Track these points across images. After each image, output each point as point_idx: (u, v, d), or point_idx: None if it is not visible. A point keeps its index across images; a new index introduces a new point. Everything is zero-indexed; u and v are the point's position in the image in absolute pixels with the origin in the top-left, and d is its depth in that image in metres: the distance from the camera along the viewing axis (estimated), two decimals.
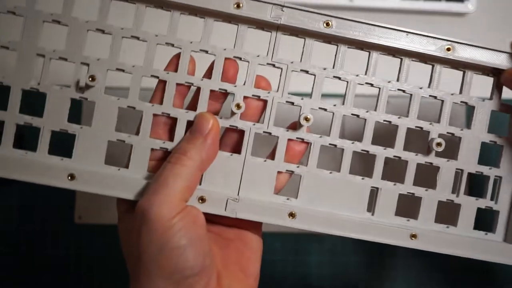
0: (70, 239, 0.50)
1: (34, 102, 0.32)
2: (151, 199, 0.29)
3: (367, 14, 0.53)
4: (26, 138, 0.32)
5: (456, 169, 0.34)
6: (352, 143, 0.33)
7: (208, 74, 0.33)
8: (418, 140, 0.35)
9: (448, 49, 0.33)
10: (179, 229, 0.28)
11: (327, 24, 0.32)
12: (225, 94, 0.33)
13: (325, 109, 0.33)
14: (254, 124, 0.33)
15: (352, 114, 0.33)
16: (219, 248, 0.33)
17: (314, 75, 0.33)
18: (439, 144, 0.33)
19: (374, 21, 0.32)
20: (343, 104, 0.33)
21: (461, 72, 0.34)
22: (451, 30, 0.54)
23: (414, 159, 0.34)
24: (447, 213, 0.35)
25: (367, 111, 0.33)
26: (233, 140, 0.34)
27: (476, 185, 0.35)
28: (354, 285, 0.51)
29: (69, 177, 0.31)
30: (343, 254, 0.51)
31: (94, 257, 0.50)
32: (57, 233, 0.50)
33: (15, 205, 0.50)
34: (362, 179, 0.34)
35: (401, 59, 0.33)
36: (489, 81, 0.34)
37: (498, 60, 0.33)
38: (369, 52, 0.33)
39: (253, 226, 0.35)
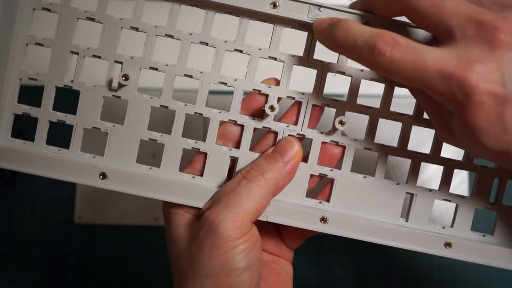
0: (70, 239, 0.50)
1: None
2: (221, 213, 0.29)
3: None
4: (25, 135, 0.32)
5: (496, 177, 0.33)
6: (388, 147, 0.32)
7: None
8: None
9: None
10: (242, 250, 0.28)
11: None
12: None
13: (361, 112, 0.32)
14: (287, 126, 0.32)
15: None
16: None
17: (351, 76, 0.32)
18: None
19: None
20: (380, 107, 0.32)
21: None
22: None
23: (452, 165, 0.33)
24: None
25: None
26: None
27: None
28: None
29: (101, 176, 0.31)
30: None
31: (94, 257, 0.50)
32: (57, 233, 0.50)
33: (15, 205, 0.50)
34: (397, 184, 0.33)
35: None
36: None
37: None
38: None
39: (285, 252, 0.36)
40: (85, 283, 0.49)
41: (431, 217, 0.33)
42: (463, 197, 0.33)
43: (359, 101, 0.32)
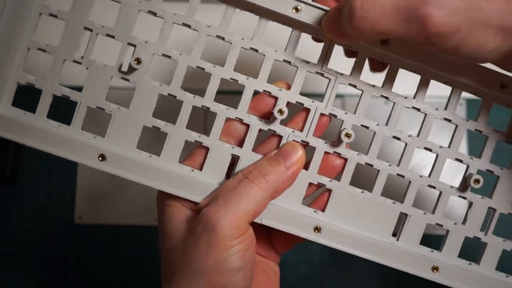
0: (70, 239, 0.50)
1: None
2: (219, 212, 0.28)
3: None
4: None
5: (489, 207, 0.33)
6: (389, 165, 0.33)
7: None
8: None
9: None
10: (238, 251, 0.28)
11: (384, 42, 0.31)
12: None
13: (368, 127, 0.32)
14: (293, 131, 0.32)
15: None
16: None
17: (362, 90, 0.32)
18: (476, 181, 0.32)
19: None
20: (386, 124, 0.32)
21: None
22: None
23: (448, 191, 0.33)
24: None
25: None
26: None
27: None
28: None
29: (100, 158, 0.31)
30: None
31: (94, 257, 0.50)
32: (57, 233, 0.50)
33: (15, 205, 0.50)
34: (393, 203, 0.33)
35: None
36: None
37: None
38: (421, 77, 0.32)
39: (273, 255, 0.35)
40: (85, 283, 0.49)
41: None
42: (455, 223, 0.33)
43: None
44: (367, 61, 0.32)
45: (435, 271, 0.33)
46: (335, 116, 0.32)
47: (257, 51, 0.32)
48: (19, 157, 0.50)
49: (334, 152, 0.32)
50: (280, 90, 0.32)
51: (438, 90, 0.33)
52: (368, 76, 0.32)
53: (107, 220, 0.50)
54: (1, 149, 0.48)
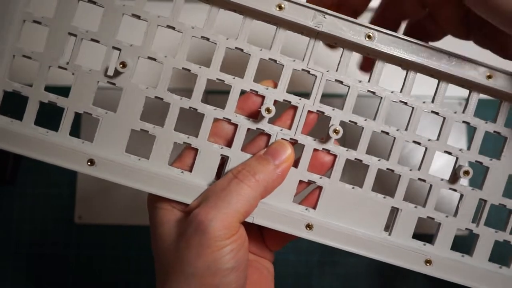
0: (70, 239, 0.50)
1: None
2: (210, 213, 0.28)
3: None
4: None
5: (480, 199, 0.33)
6: (379, 160, 0.33)
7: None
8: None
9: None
10: (230, 251, 0.28)
11: (369, 37, 0.31)
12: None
13: (355, 123, 0.32)
14: (281, 130, 0.32)
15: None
16: None
17: (348, 86, 0.32)
18: (466, 173, 0.32)
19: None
20: (374, 119, 0.32)
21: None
22: None
23: (438, 183, 0.33)
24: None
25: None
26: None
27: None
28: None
29: (89, 163, 0.31)
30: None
31: (94, 257, 0.50)
32: (57, 233, 0.50)
33: (15, 205, 0.50)
34: (384, 197, 0.33)
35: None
36: None
37: None
38: (407, 71, 0.32)
39: (266, 253, 0.35)
40: (85, 283, 0.49)
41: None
42: (446, 216, 0.33)
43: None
44: (352, 58, 0.32)
45: (428, 264, 0.33)
46: (323, 112, 0.32)
47: (242, 50, 0.32)
48: (19, 158, 0.50)
49: (323, 148, 0.32)
50: (267, 88, 0.32)
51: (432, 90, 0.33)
52: (355, 72, 0.32)
53: (107, 220, 0.50)
54: (1, 150, 0.48)
